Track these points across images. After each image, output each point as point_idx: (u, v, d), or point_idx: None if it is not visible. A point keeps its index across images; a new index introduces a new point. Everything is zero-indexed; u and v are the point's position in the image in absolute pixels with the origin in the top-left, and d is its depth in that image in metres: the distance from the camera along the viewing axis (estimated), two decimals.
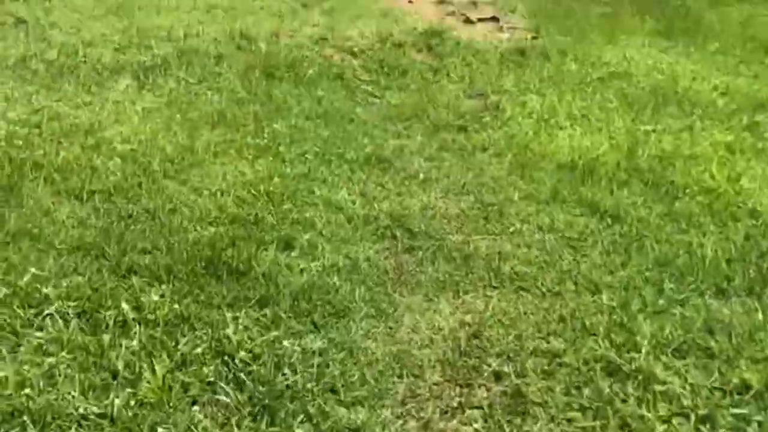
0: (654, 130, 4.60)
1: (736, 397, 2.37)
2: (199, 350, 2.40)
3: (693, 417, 2.27)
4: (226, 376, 2.31)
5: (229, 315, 2.59)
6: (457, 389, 2.38)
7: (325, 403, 2.24)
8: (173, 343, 2.43)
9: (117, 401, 2.16)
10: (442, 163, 4.12)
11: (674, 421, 2.27)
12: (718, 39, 7.18)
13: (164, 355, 2.36)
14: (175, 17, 6.53)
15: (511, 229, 3.40)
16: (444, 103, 4.97)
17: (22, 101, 4.41)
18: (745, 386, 2.41)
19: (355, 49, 5.95)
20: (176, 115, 4.35)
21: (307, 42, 6.05)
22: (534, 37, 6.71)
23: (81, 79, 4.85)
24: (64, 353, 2.35)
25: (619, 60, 6.08)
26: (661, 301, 2.86)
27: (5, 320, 2.49)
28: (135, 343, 2.41)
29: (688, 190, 3.84)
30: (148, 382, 2.24)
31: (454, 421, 2.25)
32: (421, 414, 2.27)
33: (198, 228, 3.16)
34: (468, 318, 2.73)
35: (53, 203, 3.28)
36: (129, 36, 5.88)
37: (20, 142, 3.83)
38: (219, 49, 5.67)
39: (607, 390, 2.37)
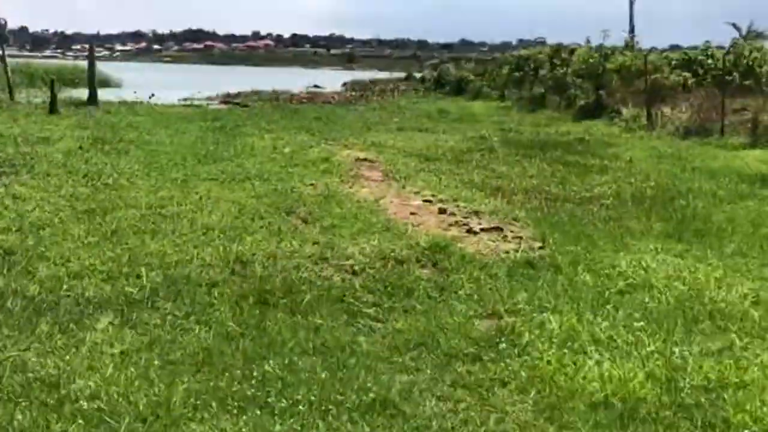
0: (691, 353, 4.12)
1: None
2: None
3: None
4: None
5: None
6: None
7: None
8: None
9: None
10: (458, 404, 3.60)
11: None
12: (732, 239, 6.95)
13: None
14: (169, 242, 6.34)
15: None
16: (454, 327, 4.54)
17: None
18: None
19: (357, 268, 5.65)
20: (156, 359, 3.90)
21: (306, 262, 5.77)
22: (541, 247, 6.46)
23: (59, 317, 4.48)
24: None
25: (635, 269, 5.76)
26: None
27: None
28: None
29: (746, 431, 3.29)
30: None
31: None
32: None
33: None
34: None
35: None
36: (119, 265, 5.62)
37: None
38: (212, 276, 5.38)
39: None
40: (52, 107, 19.51)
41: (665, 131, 18.11)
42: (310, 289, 5.13)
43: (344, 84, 46.64)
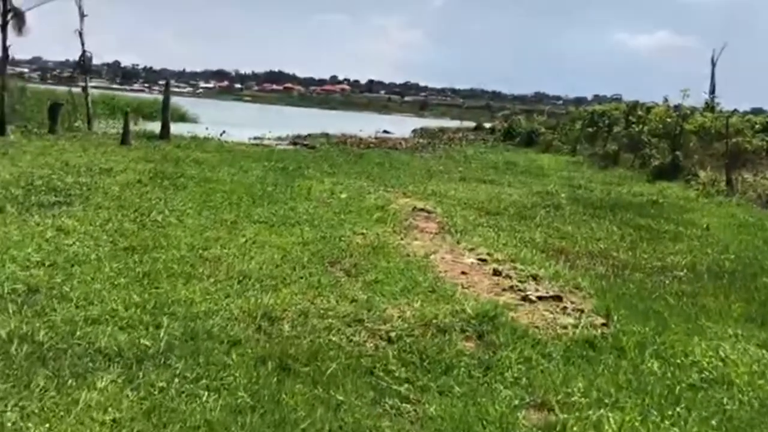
0: None
1: None
2: None
3: None
4: None
5: None
6: None
7: None
8: None
9: None
10: None
11: None
12: None
13: None
14: (201, 288, 5.99)
15: None
16: (495, 418, 3.94)
17: None
18: None
19: (393, 335, 5.12)
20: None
21: (339, 324, 5.29)
22: (604, 324, 5.78)
23: (61, 369, 4.11)
24: None
25: (711, 360, 5.02)
26: None
27: None
28: None
29: None
30: None
31: None
32: None
33: None
34: None
35: None
36: (142, 311, 5.28)
37: None
38: (235, 332, 4.95)
39: None
40: (124, 139, 19.95)
41: (746, 198, 17.00)
42: (338, 357, 4.63)
43: (414, 130, 46.60)
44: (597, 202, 14.49)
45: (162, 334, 4.78)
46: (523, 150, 32.37)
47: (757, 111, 34.62)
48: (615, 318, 5.84)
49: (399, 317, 5.47)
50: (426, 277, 6.91)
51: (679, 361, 4.96)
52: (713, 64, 47.07)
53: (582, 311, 6.12)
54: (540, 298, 6.42)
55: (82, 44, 25.41)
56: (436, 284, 6.65)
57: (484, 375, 4.56)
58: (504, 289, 6.81)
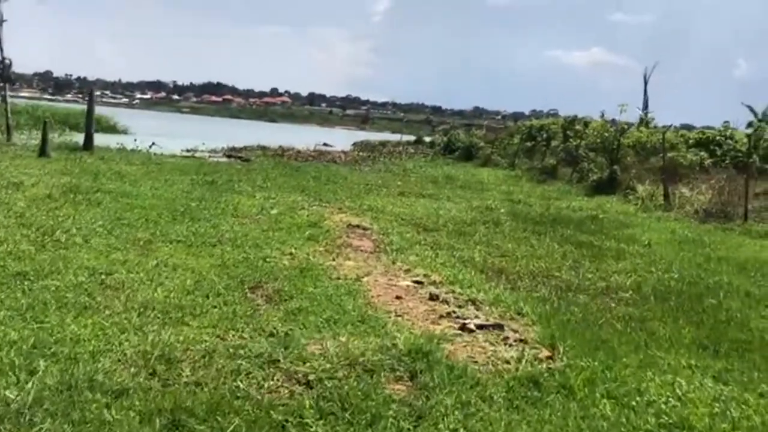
0: None
1: None
2: None
3: None
4: None
5: None
6: None
7: None
8: None
9: None
10: None
11: None
12: None
13: None
14: (94, 322, 5.18)
15: None
16: None
17: None
18: None
19: (312, 377, 4.43)
20: None
21: (250, 365, 4.56)
22: (550, 356, 5.23)
23: None
24: None
25: (667, 398, 4.52)
26: None
27: None
28: None
29: None
30: None
31: None
32: None
33: None
34: None
35: None
36: (17, 352, 4.46)
37: None
38: (123, 378, 4.18)
39: None
40: (43, 150, 18.67)
41: (683, 212, 17.00)
42: (244, 409, 3.91)
43: (354, 144, 46.05)
44: (537, 217, 14.15)
45: (33, 384, 3.98)
46: (462, 164, 32.18)
47: (686, 127, 35.33)
48: (561, 350, 5.30)
49: (321, 355, 4.78)
50: (356, 304, 6.26)
51: (633, 402, 4.43)
52: (645, 81, 48.23)
53: (525, 342, 5.56)
54: (480, 326, 5.84)
55: (1, 51, 23.87)
56: (366, 313, 6.00)
57: (415, 426, 3.92)
58: (441, 316, 6.21)
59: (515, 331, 5.84)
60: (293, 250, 8.60)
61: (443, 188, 19.88)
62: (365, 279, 7.45)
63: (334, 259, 8.41)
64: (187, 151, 27.05)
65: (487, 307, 6.59)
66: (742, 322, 6.75)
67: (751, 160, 21.10)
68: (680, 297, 7.72)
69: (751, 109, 43.31)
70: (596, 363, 5.06)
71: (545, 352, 5.31)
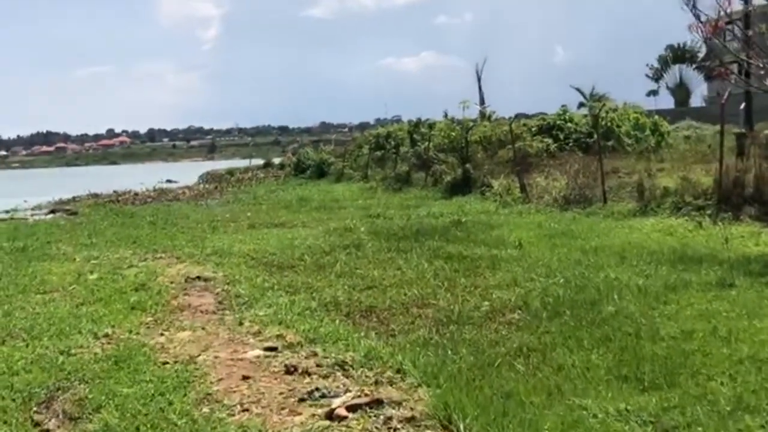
0: None
1: None
2: None
3: None
4: None
5: None
6: None
7: None
8: None
9: None
10: None
11: None
12: (715, 377, 4.77)
13: None
14: None
15: None
16: None
17: None
18: None
19: None
20: None
21: None
22: None
23: None
24: None
25: None
26: None
27: None
28: None
29: None
30: None
31: None
32: None
33: None
34: None
35: None
36: None
37: None
38: None
39: None
40: None
41: (543, 202, 16.60)
42: None
43: (200, 176, 43.47)
44: (399, 231, 13.01)
45: None
46: (315, 182, 30.89)
47: (522, 116, 36.25)
48: (461, 427, 4.00)
49: None
50: (185, 406, 4.64)
51: None
52: (479, 78, 49.40)
53: (413, 421, 4.21)
54: (352, 408, 4.43)
55: None
56: (199, 419, 4.41)
57: None
58: (302, 400, 4.73)
59: (398, 404, 4.48)
60: (110, 330, 6.80)
61: (297, 213, 18.43)
62: (202, 357, 5.84)
63: (163, 333, 6.71)
64: (6, 212, 23.78)
65: (359, 371, 5.20)
66: (652, 332, 5.82)
67: (593, 140, 21.41)
68: (574, 308, 6.73)
69: (580, 91, 45.30)
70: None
71: None
